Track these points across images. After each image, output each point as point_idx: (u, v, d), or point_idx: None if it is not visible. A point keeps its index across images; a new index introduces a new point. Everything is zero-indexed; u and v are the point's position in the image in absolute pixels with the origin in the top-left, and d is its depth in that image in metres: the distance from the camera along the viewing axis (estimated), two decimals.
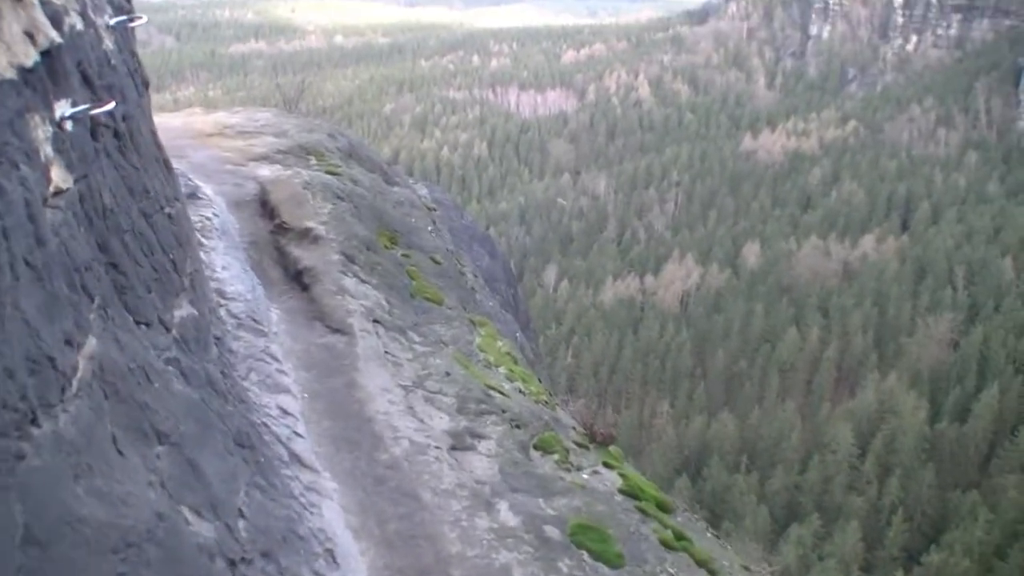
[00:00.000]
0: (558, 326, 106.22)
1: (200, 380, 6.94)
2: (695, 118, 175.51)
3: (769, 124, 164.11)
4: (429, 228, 17.02)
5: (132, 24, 8.21)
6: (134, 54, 9.35)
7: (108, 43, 7.55)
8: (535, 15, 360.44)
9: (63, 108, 5.72)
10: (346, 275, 12.18)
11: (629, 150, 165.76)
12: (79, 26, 6.52)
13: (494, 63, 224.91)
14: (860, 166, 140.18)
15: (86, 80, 6.45)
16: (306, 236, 12.94)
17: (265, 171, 15.42)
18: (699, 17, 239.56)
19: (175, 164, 14.63)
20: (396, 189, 18.23)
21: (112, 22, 7.91)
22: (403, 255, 14.54)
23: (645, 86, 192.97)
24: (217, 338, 8.80)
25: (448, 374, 10.86)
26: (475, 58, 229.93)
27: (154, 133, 8.97)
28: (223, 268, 11.02)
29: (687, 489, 69.29)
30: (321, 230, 13.07)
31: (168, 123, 18.02)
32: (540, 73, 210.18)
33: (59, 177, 5.38)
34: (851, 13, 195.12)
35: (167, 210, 7.97)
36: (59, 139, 5.46)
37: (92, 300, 5.37)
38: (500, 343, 13.99)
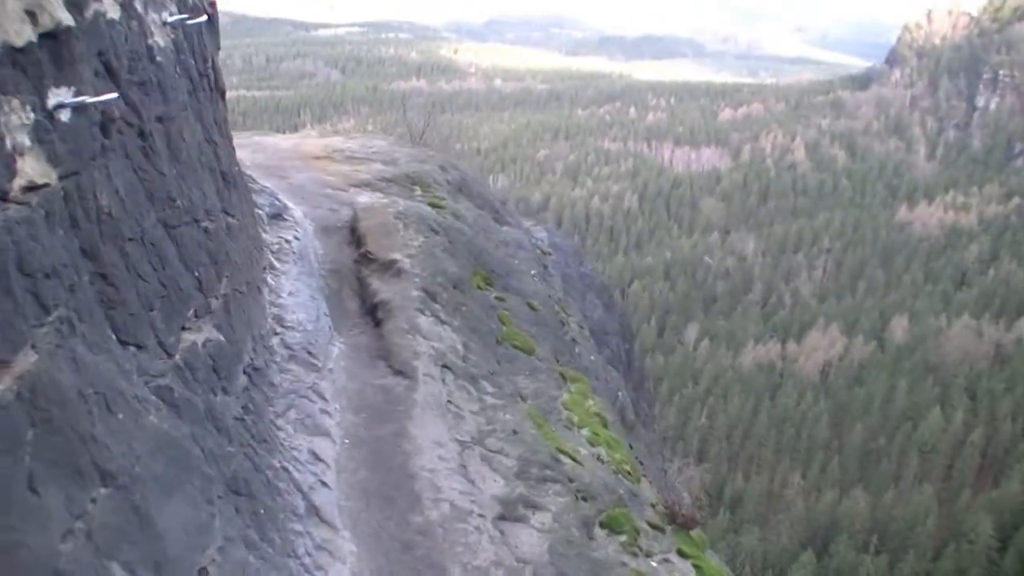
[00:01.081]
0: (695, 385, 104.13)
1: (195, 414, 6.14)
2: (850, 185, 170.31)
3: (927, 196, 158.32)
4: (533, 272, 16.08)
5: (190, 22, 7.59)
6: (207, 59, 8.82)
7: (159, 39, 6.96)
8: (694, 71, 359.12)
9: (61, 96, 5.07)
10: (423, 313, 11.32)
11: (780, 213, 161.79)
12: (111, 14, 5.91)
13: (651, 116, 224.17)
14: (1022, 245, 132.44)
15: (109, 71, 5.82)
16: (389, 268, 12.18)
17: (364, 198, 14.84)
18: (861, 82, 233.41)
19: (272, 183, 14.29)
20: (505, 229, 17.39)
21: (171, 19, 7.35)
22: (496, 297, 13.63)
23: (801, 149, 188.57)
24: (256, 368, 8.06)
25: (515, 432, 9.80)
26: (632, 110, 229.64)
27: (212, 142, 8.35)
28: (289, 294, 10.34)
29: (811, 565, 66.56)
30: (406, 263, 12.30)
31: (279, 144, 17.82)
32: (696, 129, 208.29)
33: (34, 170, 4.68)
34: (1022, 86, 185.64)
35: (203, 224, 7.29)
36: (43, 129, 4.77)
37: (47, 311, 4.62)
38: (591, 402, 12.84)
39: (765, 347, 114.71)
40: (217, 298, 7.32)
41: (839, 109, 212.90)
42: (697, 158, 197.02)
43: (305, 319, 9.98)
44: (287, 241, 11.76)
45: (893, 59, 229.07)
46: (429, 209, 14.86)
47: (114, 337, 5.46)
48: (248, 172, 13.59)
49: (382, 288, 11.72)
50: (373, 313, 11.36)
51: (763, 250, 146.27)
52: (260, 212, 11.94)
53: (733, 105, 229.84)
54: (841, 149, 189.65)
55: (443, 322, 11.51)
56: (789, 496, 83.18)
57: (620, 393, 16.94)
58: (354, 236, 13.27)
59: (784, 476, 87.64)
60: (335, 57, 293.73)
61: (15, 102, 4.53)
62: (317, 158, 16.88)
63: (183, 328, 6.52)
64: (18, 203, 4.52)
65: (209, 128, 8.39)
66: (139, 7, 6.58)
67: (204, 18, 8.14)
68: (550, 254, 19.57)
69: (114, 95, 5.46)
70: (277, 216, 12.37)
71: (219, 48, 9.91)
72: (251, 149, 16.79)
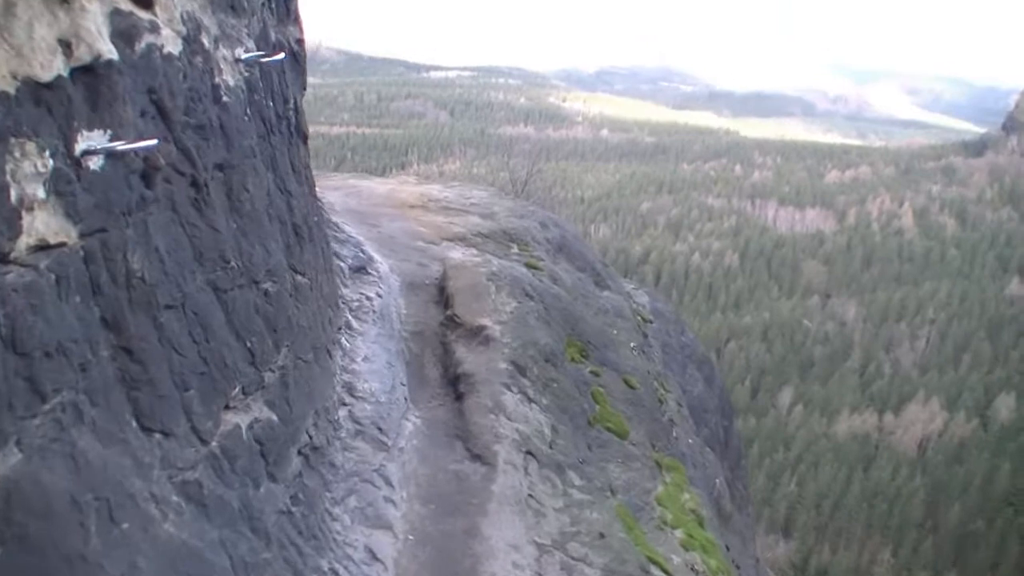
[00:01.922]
0: (786, 451, 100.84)
1: (227, 514, 5.21)
2: (959, 254, 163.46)
3: None
4: (633, 345, 14.92)
5: (268, 59, 6.81)
6: (289, 100, 8.05)
7: (228, 78, 6.17)
8: (802, 130, 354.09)
9: (93, 141, 4.27)
10: (509, 389, 10.27)
11: (884, 280, 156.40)
12: (170, 48, 5.11)
13: (756, 175, 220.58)
14: None
15: (161, 112, 5.02)
16: (476, 335, 11.18)
17: (457, 253, 13.96)
18: (975, 149, 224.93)
19: (360, 232, 13.51)
20: (605, 294, 16.27)
21: (245, 56, 6.58)
22: (591, 372, 12.50)
23: (909, 215, 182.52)
24: (315, 448, 7.14)
25: (602, 536, 8.63)
26: (737, 167, 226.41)
27: (287, 192, 7.53)
28: (364, 359, 9.44)
29: None
30: (495, 331, 11.28)
31: (374, 189, 17.18)
32: (801, 190, 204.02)
33: (47, 227, 3.85)
34: None
35: (264, 285, 6.42)
36: (64, 179, 3.92)
37: (44, 398, 3.76)
38: (687, 496, 11.59)
39: (861, 417, 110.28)
40: (273, 371, 6.44)
41: (950, 175, 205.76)
42: (801, 219, 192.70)
43: (379, 389, 9.04)
44: (368, 298, 10.90)
45: (1011, 125, 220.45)
46: (525, 270, 13.88)
47: (135, 423, 4.57)
48: (336, 219, 12.88)
49: (467, 357, 10.73)
50: (455, 384, 10.36)
51: (864, 317, 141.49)
52: (342, 264, 11.14)
53: (840, 167, 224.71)
54: (951, 217, 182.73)
55: (531, 400, 10.43)
56: (878, 574, 79.82)
57: (718, 481, 15.58)
58: (442, 296, 12.35)
59: (873, 553, 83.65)
60: (445, 99, 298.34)
61: (30, 146, 3.71)
62: (411, 207, 16.13)
63: (226, 407, 5.64)
64: (22, 265, 3.69)
65: (284, 176, 7.59)
66: (206, 41, 5.79)
67: (282, 56, 7.35)
68: (651, 322, 18.37)
69: (153, 142, 4.62)
70: (360, 269, 11.54)
71: (304, 88, 9.19)
72: (344, 193, 16.19)
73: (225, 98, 6.03)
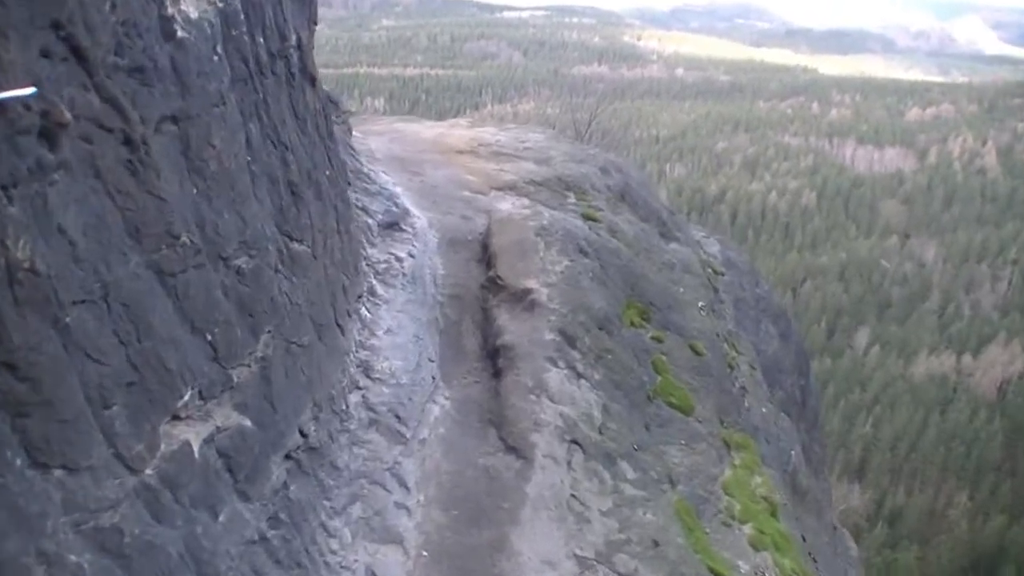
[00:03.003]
0: (862, 392, 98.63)
1: (160, 565, 4.08)
2: None
3: None
4: (701, 304, 13.46)
5: None
6: (287, 36, 6.78)
7: (186, 7, 4.93)
8: (882, 67, 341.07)
9: None
10: (555, 364, 8.98)
11: (965, 220, 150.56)
12: None
13: (834, 113, 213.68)
14: None
15: (76, 52, 3.79)
16: (521, 300, 9.89)
17: (506, 204, 12.67)
18: None
19: (401, 180, 12.26)
20: (672, 247, 14.79)
21: None
22: (653, 338, 11.14)
23: (992, 153, 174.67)
24: (310, 449, 6.00)
25: (656, 544, 7.34)
26: (815, 106, 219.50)
27: (281, 144, 6.31)
28: (387, 332, 8.23)
29: None
30: (543, 294, 9.97)
31: (420, 133, 15.96)
32: (880, 128, 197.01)
33: None
34: None
35: (236, 262, 5.22)
36: None
37: None
38: (758, 479, 10.27)
39: (939, 359, 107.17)
40: (248, 365, 5.26)
41: None
42: (880, 158, 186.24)
43: (401, 368, 7.84)
44: (399, 259, 9.68)
45: None
46: (580, 223, 12.45)
47: (20, 461, 3.43)
48: (371, 168, 11.68)
49: (508, 326, 9.46)
50: (494, 358, 9.13)
51: (944, 257, 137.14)
52: (369, 221, 9.92)
53: (921, 105, 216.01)
54: None
55: (580, 376, 9.12)
56: (953, 517, 77.34)
57: (793, 452, 14.18)
58: (485, 253, 11.10)
59: (949, 495, 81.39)
60: (518, 39, 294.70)
61: None
62: (460, 152, 14.82)
63: (174, 420, 4.49)
64: None
65: (277, 126, 6.33)
66: None
67: None
68: (723, 274, 16.84)
69: (29, 90, 3.38)
70: (392, 225, 10.33)
71: (314, 22, 7.88)
72: (388, 138, 14.96)
73: (181, 34, 4.77)
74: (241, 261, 5.30)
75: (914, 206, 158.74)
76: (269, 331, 5.60)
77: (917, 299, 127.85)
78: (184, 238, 4.64)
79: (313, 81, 7.60)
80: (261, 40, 6.11)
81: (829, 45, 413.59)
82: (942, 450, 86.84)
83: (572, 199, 13.47)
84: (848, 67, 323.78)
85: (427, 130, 16.37)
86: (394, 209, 10.58)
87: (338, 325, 7.28)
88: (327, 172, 7.73)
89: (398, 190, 11.55)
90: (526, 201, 12.81)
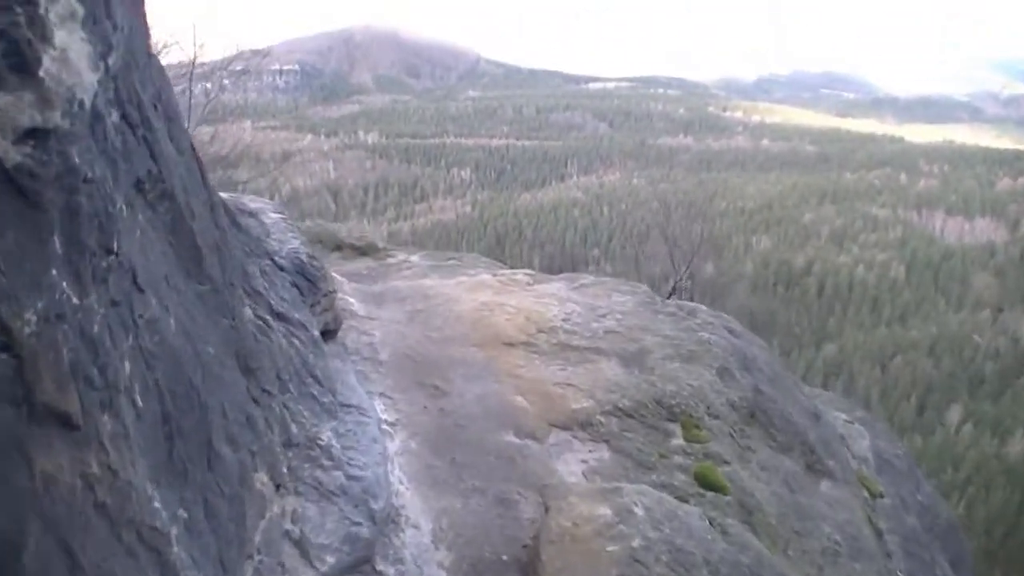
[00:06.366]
0: (954, 472, 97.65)
1: None
2: None
3: None
4: None
5: None
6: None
7: None
8: (971, 135, 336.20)
9: None
10: None
11: None
12: None
13: (922, 183, 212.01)
14: None
15: None
16: None
17: (573, 466, 7.50)
18: None
19: (416, 412, 6.83)
20: (824, 488, 9.77)
21: None
22: None
23: None
24: None
25: None
26: (903, 176, 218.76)
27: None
28: None
29: None
30: None
31: (456, 304, 10.71)
32: (970, 198, 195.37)
33: None
34: None
35: None
36: None
37: None
38: None
39: None
40: None
41: None
42: (971, 229, 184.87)
43: None
44: None
45: None
46: (697, 518, 6.80)
47: None
48: (356, 397, 6.44)
49: None
50: None
51: None
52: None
53: (1012, 174, 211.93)
54: None
55: None
56: None
57: None
58: None
59: None
60: (603, 110, 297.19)
61: None
62: (510, 344, 9.65)
63: None
64: None
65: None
66: None
67: None
68: (881, 495, 11.67)
69: None
70: (355, 569, 5.29)
71: None
72: (407, 310, 10.12)
73: None
74: None
75: (1006, 278, 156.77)
76: None
77: (1011, 375, 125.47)
78: None
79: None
80: None
81: (916, 114, 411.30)
82: None
83: (678, 441, 8.47)
84: (935, 135, 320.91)
85: (468, 294, 11.07)
86: (362, 531, 5.40)
87: None
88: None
89: (392, 450, 6.67)
90: (606, 457, 7.77)
